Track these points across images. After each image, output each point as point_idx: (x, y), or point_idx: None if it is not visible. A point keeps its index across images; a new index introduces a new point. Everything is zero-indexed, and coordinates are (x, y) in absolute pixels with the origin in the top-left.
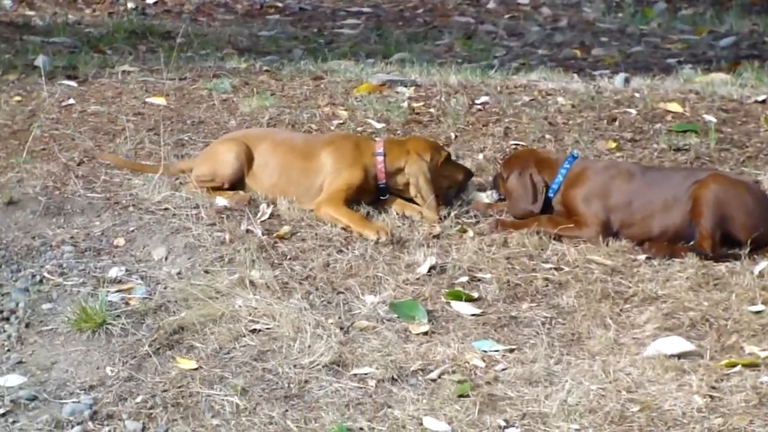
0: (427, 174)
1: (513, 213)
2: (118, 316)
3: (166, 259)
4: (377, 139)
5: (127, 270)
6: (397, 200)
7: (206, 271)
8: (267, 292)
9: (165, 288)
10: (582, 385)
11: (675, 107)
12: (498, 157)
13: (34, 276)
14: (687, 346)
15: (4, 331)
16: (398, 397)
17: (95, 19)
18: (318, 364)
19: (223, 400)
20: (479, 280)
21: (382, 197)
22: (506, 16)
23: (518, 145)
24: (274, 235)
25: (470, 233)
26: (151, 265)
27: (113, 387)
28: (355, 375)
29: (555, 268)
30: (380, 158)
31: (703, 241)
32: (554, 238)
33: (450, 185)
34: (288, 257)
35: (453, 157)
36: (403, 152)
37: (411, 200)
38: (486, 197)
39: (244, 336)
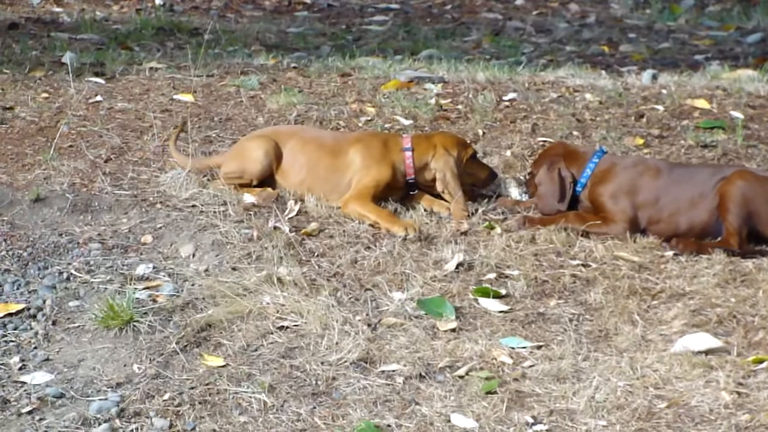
0: (453, 169)
1: (542, 209)
2: (145, 313)
3: (194, 256)
4: (404, 135)
5: (154, 267)
6: (425, 196)
7: (234, 268)
8: (294, 289)
9: (192, 285)
10: (609, 381)
11: (702, 104)
12: (526, 154)
13: (61, 273)
14: (714, 342)
15: (32, 328)
16: (426, 394)
17: (123, 16)
18: (345, 361)
19: (250, 397)
20: (507, 276)
21: (411, 192)
22: (534, 12)
23: (546, 141)
24: (302, 232)
25: (498, 230)
26: (179, 262)
27: (140, 384)
28: (383, 372)
29: (582, 265)
30: (408, 153)
31: (730, 238)
32: (581, 235)
33: (473, 183)
34: (315, 254)
35: (480, 155)
36: (430, 147)
37: (439, 196)
38: (517, 194)
39: (272, 333)
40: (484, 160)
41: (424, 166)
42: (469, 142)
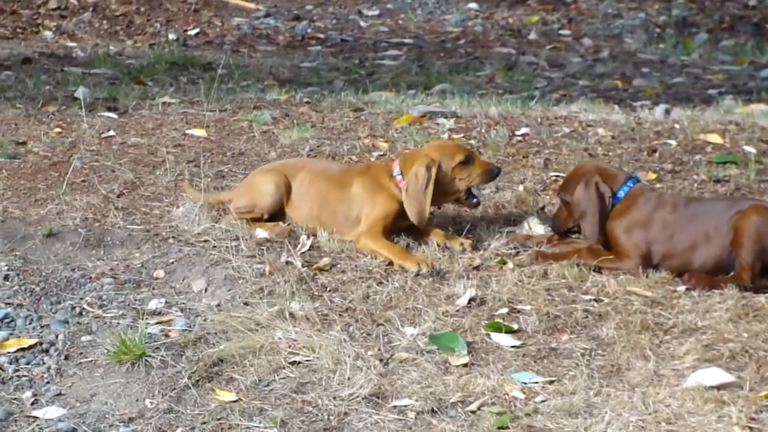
0: (420, 180)
1: (589, 235)
2: (157, 348)
3: (206, 290)
4: (394, 159)
5: (166, 302)
6: (436, 230)
7: (246, 303)
8: (306, 324)
9: (204, 320)
10: (622, 416)
11: (715, 138)
12: (538, 189)
13: (73, 308)
14: (727, 377)
15: (44, 362)
16: (438, 429)
17: (136, 51)
18: (357, 396)
19: None
20: (519, 311)
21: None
22: (547, 47)
23: (558, 176)
24: (314, 266)
25: (510, 265)
26: (191, 297)
27: (152, 419)
28: (395, 407)
29: (595, 300)
30: (398, 177)
31: (743, 273)
32: (594, 270)
33: (469, 186)
34: (328, 289)
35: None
36: (413, 162)
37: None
38: (541, 229)
39: (284, 368)
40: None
41: None
42: (465, 146)
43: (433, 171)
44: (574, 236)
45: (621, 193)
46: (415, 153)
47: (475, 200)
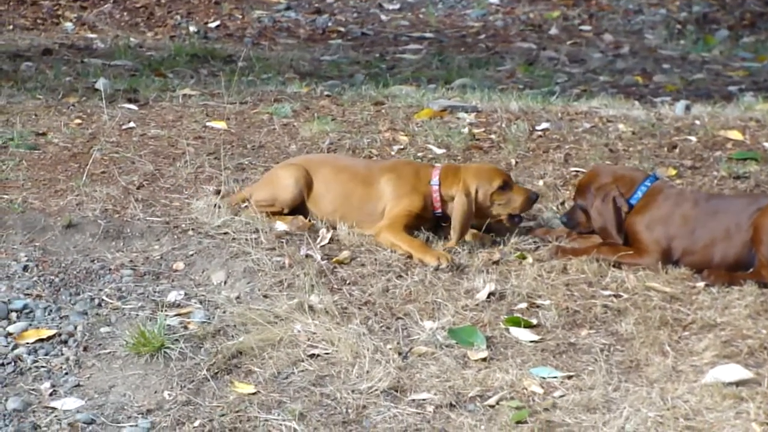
0: (465, 209)
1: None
2: (176, 340)
3: (225, 283)
4: (436, 165)
5: (186, 294)
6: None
7: (265, 296)
8: (326, 317)
9: (224, 312)
10: (640, 412)
11: (735, 135)
12: (558, 184)
13: (92, 299)
14: (745, 373)
15: (63, 354)
16: (456, 423)
17: (157, 43)
18: (376, 390)
19: (281, 425)
20: (538, 306)
21: (442, 224)
22: (568, 42)
23: (579, 172)
24: (334, 260)
25: (529, 259)
26: (210, 290)
27: (171, 411)
28: (414, 401)
29: (614, 295)
30: (435, 187)
31: (763, 269)
32: (613, 265)
33: (510, 212)
34: (347, 282)
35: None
36: (455, 181)
37: (475, 226)
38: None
39: (303, 361)
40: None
41: (450, 200)
42: (501, 169)
43: (472, 197)
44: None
45: (639, 193)
46: (456, 170)
47: (516, 219)
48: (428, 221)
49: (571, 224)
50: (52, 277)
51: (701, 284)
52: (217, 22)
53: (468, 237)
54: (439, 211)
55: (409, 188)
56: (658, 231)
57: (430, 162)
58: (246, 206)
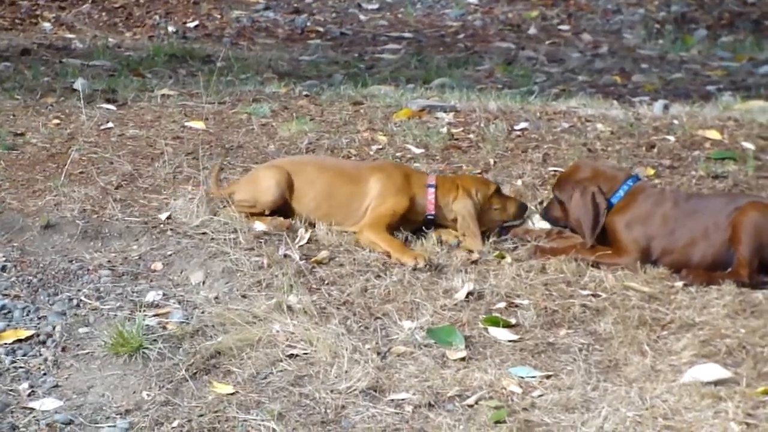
0: (471, 211)
1: (584, 239)
2: (155, 340)
3: (204, 283)
4: (429, 173)
5: (164, 294)
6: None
7: (244, 296)
8: (304, 317)
9: (202, 312)
10: (619, 411)
11: (714, 134)
12: (537, 183)
13: (71, 299)
14: (724, 373)
15: (41, 354)
16: (435, 423)
17: (135, 43)
18: (355, 390)
19: (259, 425)
20: (517, 306)
21: (426, 228)
22: (547, 42)
23: (557, 171)
24: (312, 260)
25: (508, 259)
26: (189, 290)
27: (150, 411)
28: (392, 400)
29: (592, 295)
30: (431, 190)
31: (741, 269)
32: (591, 265)
33: (505, 219)
34: (326, 282)
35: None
36: (453, 188)
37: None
38: (535, 223)
39: (281, 361)
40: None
41: (444, 205)
42: (490, 181)
43: (475, 200)
44: (566, 230)
45: (620, 192)
46: (452, 177)
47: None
48: (413, 223)
49: (549, 218)
50: (31, 278)
51: (680, 284)
52: (196, 22)
53: (435, 233)
54: (432, 213)
55: (398, 189)
56: (637, 231)
57: (408, 162)
58: (224, 206)
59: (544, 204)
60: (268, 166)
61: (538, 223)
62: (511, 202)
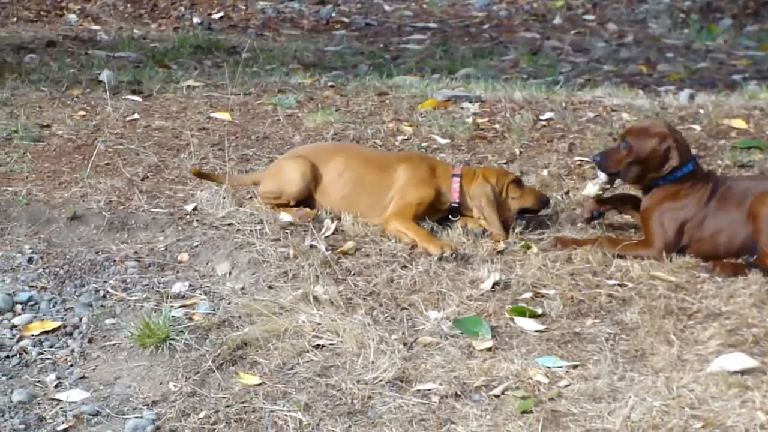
0: (489, 195)
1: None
2: (181, 331)
3: (230, 274)
4: (455, 165)
5: (190, 285)
6: (462, 217)
7: (270, 287)
8: (331, 307)
9: (229, 303)
10: (645, 401)
11: (739, 123)
12: (562, 173)
13: (97, 291)
14: (750, 362)
15: (68, 345)
16: (461, 414)
17: (161, 34)
18: (381, 380)
19: (286, 415)
20: (543, 296)
21: (452, 217)
22: (572, 32)
23: (583, 161)
24: (338, 250)
25: (534, 249)
26: (215, 281)
27: (176, 402)
28: (419, 391)
29: (619, 285)
30: (456, 179)
31: (765, 258)
32: (617, 256)
33: (523, 208)
34: (352, 273)
35: (518, 174)
36: (475, 176)
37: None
38: (593, 185)
39: (308, 352)
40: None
41: (467, 194)
42: (511, 172)
43: (494, 186)
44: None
45: (679, 173)
46: (476, 168)
47: (522, 220)
48: (437, 213)
49: (604, 163)
50: (57, 269)
51: (706, 273)
52: (221, 14)
53: (462, 222)
54: (457, 201)
55: (425, 179)
56: (669, 223)
57: (434, 153)
58: (250, 197)
59: (570, 198)
60: (293, 157)
61: (591, 191)
62: (531, 192)
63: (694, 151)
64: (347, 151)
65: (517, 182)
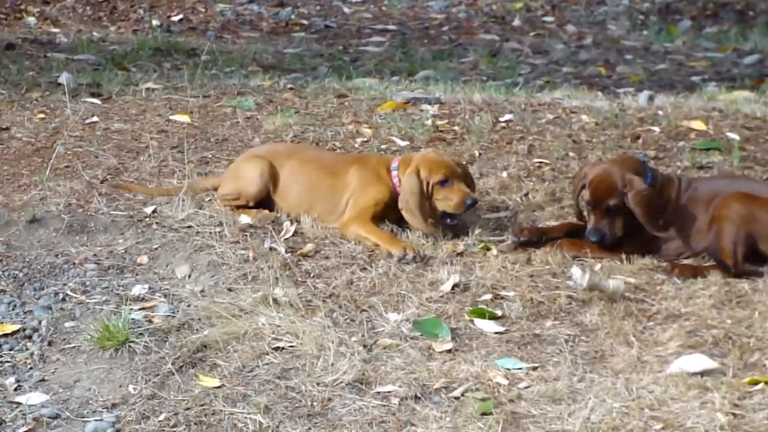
0: (414, 188)
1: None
2: (141, 334)
3: (190, 276)
4: (396, 156)
5: (150, 288)
6: None
7: (229, 289)
8: (290, 309)
9: (188, 306)
10: (605, 402)
11: (698, 125)
12: (522, 175)
13: (57, 294)
14: (710, 363)
15: (27, 348)
16: (421, 415)
17: (120, 37)
18: (341, 382)
19: (246, 418)
20: (502, 297)
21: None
22: (531, 33)
23: (542, 162)
24: (298, 252)
25: (494, 251)
26: (175, 283)
27: (136, 405)
28: (379, 393)
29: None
30: (395, 173)
31: (725, 257)
32: (575, 257)
33: (444, 210)
34: (311, 275)
35: (476, 176)
36: (408, 167)
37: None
38: (582, 280)
39: (268, 354)
40: (480, 182)
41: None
42: (452, 165)
43: (421, 179)
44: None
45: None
46: (411, 157)
47: (450, 222)
48: (394, 210)
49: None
50: (16, 272)
51: (665, 276)
52: (180, 16)
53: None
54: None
55: (375, 179)
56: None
57: (394, 155)
58: (209, 200)
59: (530, 200)
60: (251, 157)
61: (580, 280)
62: (456, 194)
63: (652, 154)
64: (301, 153)
65: (443, 182)
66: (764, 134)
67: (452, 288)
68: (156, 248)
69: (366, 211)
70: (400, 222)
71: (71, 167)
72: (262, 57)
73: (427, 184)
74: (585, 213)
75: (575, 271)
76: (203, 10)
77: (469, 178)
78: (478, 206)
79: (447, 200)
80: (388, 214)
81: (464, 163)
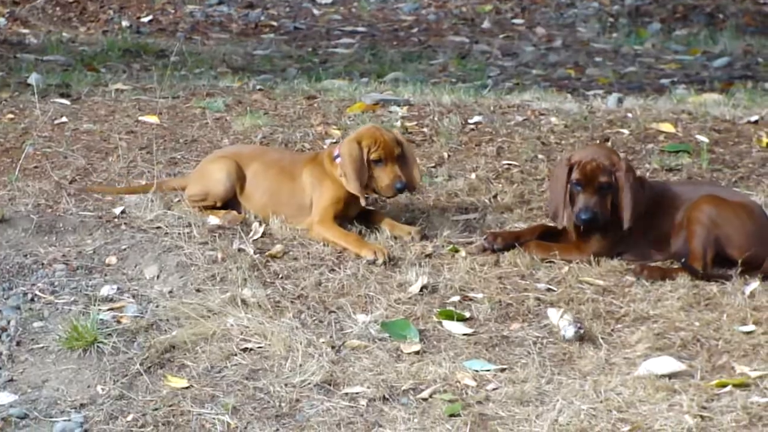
0: (353, 154)
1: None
2: (109, 334)
3: (158, 277)
4: (338, 145)
5: (118, 288)
6: (386, 220)
7: (198, 290)
8: (259, 310)
9: (157, 306)
10: (573, 404)
11: (667, 127)
12: (491, 177)
13: (25, 294)
14: (678, 366)
15: None
16: (389, 417)
17: (89, 38)
18: (309, 383)
19: (214, 418)
20: (471, 299)
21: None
22: (501, 36)
23: (511, 164)
24: (267, 253)
25: (462, 253)
26: (143, 284)
27: (104, 405)
28: (347, 394)
29: (547, 288)
30: (338, 160)
31: (695, 261)
32: (543, 260)
33: (375, 189)
34: (280, 276)
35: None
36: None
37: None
38: (571, 332)
39: (236, 355)
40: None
41: None
42: (391, 142)
43: (361, 147)
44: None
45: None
46: (354, 133)
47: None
48: (356, 204)
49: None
50: None
51: (633, 278)
52: (150, 17)
53: (388, 227)
54: None
55: (325, 174)
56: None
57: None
58: (178, 200)
59: (498, 201)
60: (217, 158)
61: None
62: (388, 175)
63: (622, 155)
64: (265, 156)
65: (377, 161)
66: (733, 137)
67: (420, 289)
68: (125, 249)
69: (327, 213)
70: (368, 223)
71: (40, 168)
72: (231, 58)
73: (367, 155)
74: (573, 195)
75: (562, 322)
76: (173, 11)
77: (410, 157)
78: (416, 191)
79: (379, 180)
80: (350, 208)
81: (410, 141)
